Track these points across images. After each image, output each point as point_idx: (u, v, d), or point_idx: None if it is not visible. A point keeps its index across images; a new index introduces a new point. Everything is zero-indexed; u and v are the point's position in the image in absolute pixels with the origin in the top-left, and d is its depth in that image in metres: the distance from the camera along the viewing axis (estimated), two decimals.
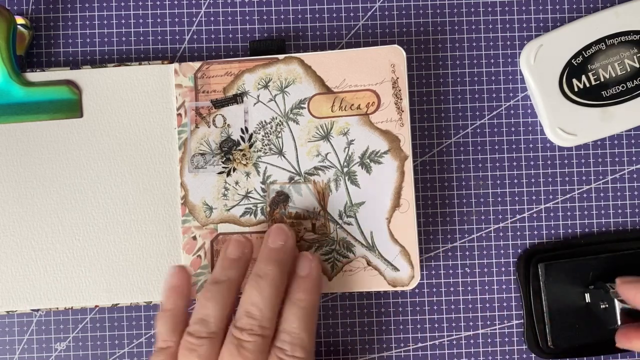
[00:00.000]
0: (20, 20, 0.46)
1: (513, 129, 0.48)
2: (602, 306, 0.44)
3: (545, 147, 0.48)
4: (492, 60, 0.48)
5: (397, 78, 0.45)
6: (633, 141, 0.48)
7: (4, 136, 0.45)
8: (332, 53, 0.45)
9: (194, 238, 0.45)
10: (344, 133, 0.45)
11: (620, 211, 0.48)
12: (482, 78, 0.48)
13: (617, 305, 0.43)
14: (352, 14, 0.48)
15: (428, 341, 0.48)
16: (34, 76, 0.45)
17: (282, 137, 0.45)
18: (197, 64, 0.45)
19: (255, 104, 0.45)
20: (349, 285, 0.45)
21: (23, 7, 0.47)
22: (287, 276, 0.42)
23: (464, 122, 0.48)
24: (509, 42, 0.48)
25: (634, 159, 0.48)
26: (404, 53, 0.45)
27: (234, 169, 0.45)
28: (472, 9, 0.48)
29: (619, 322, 0.43)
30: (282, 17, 0.48)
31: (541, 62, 0.46)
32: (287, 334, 0.41)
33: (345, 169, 0.45)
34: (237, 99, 0.45)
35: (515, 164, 0.48)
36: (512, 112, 0.48)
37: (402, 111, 0.45)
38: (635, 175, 0.48)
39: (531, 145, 0.48)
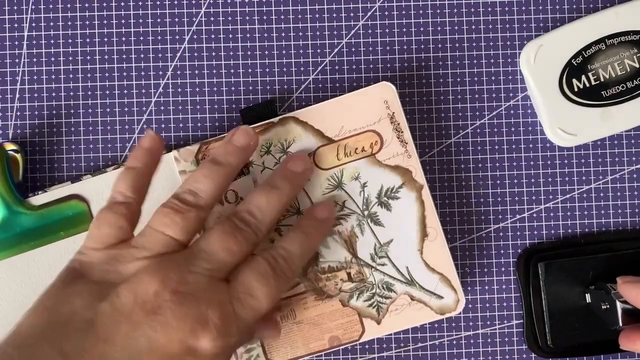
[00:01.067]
0: (9, 145, 0.46)
1: (513, 129, 0.48)
2: (603, 307, 0.44)
3: (545, 147, 0.48)
4: (492, 60, 0.48)
5: (393, 112, 0.45)
6: (633, 141, 0.48)
7: (21, 265, 0.45)
8: (324, 104, 0.45)
9: None
10: (356, 177, 0.45)
11: (620, 211, 0.48)
12: (482, 78, 0.48)
13: (619, 306, 0.43)
14: (352, 14, 0.48)
15: (428, 341, 0.48)
16: (38, 199, 0.45)
17: (296, 197, 0.45)
18: (195, 147, 0.45)
19: (262, 171, 0.45)
20: (399, 324, 0.45)
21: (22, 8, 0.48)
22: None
23: (464, 122, 0.48)
24: (509, 42, 0.48)
25: (634, 159, 0.48)
26: (394, 88, 0.45)
27: None
28: (472, 9, 0.48)
29: (621, 323, 0.43)
30: (282, 17, 0.48)
31: (541, 62, 0.46)
32: (286, 251, 0.40)
33: (366, 212, 0.45)
34: (243, 171, 0.45)
35: (515, 164, 0.48)
36: (512, 112, 0.48)
37: (406, 143, 0.45)
38: (635, 175, 0.48)
39: (531, 145, 0.48)
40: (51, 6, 0.48)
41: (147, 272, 0.37)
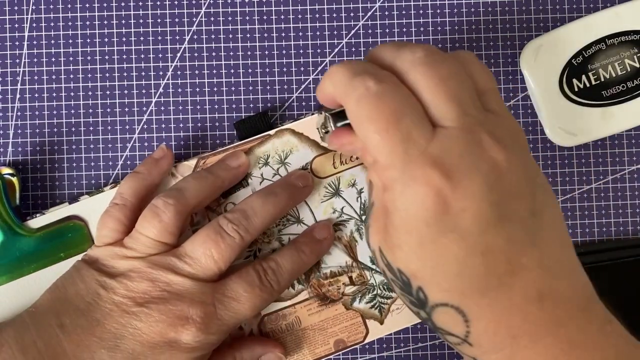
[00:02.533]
0: (5, 169, 0.45)
1: None
2: (325, 132, 0.38)
3: (545, 147, 0.48)
4: (492, 60, 0.48)
5: None
6: (633, 141, 0.48)
7: (22, 289, 0.45)
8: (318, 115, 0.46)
9: (240, 328, 0.45)
10: (352, 184, 0.46)
11: (620, 211, 0.48)
12: None
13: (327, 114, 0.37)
14: (352, 14, 0.48)
15: (428, 341, 0.48)
16: (36, 222, 0.45)
17: (295, 206, 0.46)
18: (192, 162, 0.45)
19: (261, 182, 0.46)
20: (400, 323, 0.46)
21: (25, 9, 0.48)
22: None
23: None
24: (509, 42, 0.48)
25: (634, 159, 0.48)
26: None
27: (259, 250, 0.46)
28: (472, 9, 0.48)
29: (332, 126, 0.37)
30: (282, 17, 0.48)
31: (541, 62, 0.46)
32: (277, 264, 0.42)
33: (364, 217, 0.46)
34: (242, 183, 0.46)
35: None
36: (512, 112, 0.48)
37: None
38: (635, 175, 0.48)
39: (531, 145, 0.48)
40: (51, 6, 0.48)
41: (138, 272, 0.41)
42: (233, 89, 0.48)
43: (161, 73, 0.48)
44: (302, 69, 0.48)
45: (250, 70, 0.48)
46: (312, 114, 0.46)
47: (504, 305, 0.33)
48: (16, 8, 0.48)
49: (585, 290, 0.35)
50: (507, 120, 0.35)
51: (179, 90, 0.48)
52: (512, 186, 0.33)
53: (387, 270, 0.35)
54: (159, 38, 0.48)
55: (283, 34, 0.48)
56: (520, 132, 0.35)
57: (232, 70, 0.48)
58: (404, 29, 0.48)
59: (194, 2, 0.48)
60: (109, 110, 0.48)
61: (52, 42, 0.48)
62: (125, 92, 0.48)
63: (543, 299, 0.33)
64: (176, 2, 0.48)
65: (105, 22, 0.48)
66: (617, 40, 0.46)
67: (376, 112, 0.33)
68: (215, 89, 0.48)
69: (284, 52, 0.48)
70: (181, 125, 0.48)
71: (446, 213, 0.32)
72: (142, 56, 0.48)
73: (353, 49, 0.48)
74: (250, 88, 0.48)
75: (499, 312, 0.33)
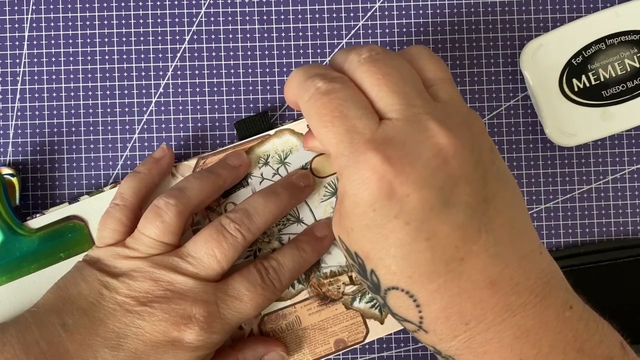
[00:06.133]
0: (5, 169, 0.46)
1: (513, 129, 0.48)
2: None
3: (545, 147, 0.48)
4: (492, 60, 0.48)
5: None
6: (633, 141, 0.48)
7: (22, 289, 0.45)
8: None
9: (241, 328, 0.45)
10: None
11: (620, 211, 0.48)
12: (482, 78, 0.48)
13: None
14: (352, 14, 0.48)
15: None
16: (36, 222, 0.45)
17: (296, 205, 0.45)
18: (192, 162, 0.45)
19: (261, 182, 0.46)
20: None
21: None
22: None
23: None
24: (509, 42, 0.48)
25: (634, 159, 0.48)
26: None
27: (259, 250, 0.46)
28: (472, 9, 0.48)
29: None
30: (282, 17, 0.48)
31: (541, 62, 0.46)
32: (278, 263, 0.43)
33: None
34: (242, 182, 0.46)
35: (515, 164, 0.48)
36: (512, 112, 0.48)
37: None
38: (635, 175, 0.48)
39: (531, 145, 0.48)
40: (51, 6, 0.48)
41: (140, 272, 0.41)
42: (233, 89, 0.48)
43: (161, 73, 0.48)
44: None
45: (250, 70, 0.48)
46: None
47: (454, 292, 0.34)
48: (16, 8, 0.48)
49: (542, 277, 0.35)
50: (457, 108, 0.36)
51: (179, 90, 0.48)
52: (459, 171, 0.34)
53: (348, 256, 0.37)
54: (159, 38, 0.48)
55: (283, 34, 0.48)
56: (474, 120, 0.36)
57: (232, 70, 0.48)
58: (404, 29, 0.48)
59: (194, 2, 0.48)
60: (109, 110, 0.48)
61: (52, 42, 0.48)
62: (125, 92, 0.48)
63: (494, 286, 0.34)
64: (176, 2, 0.48)
65: (105, 22, 0.48)
66: (617, 40, 0.46)
67: (323, 108, 0.35)
68: (215, 89, 0.48)
69: (284, 52, 0.48)
70: (181, 125, 0.48)
71: (391, 198, 0.33)
72: (142, 56, 0.48)
73: None
74: (250, 88, 0.48)
75: (449, 298, 0.34)
